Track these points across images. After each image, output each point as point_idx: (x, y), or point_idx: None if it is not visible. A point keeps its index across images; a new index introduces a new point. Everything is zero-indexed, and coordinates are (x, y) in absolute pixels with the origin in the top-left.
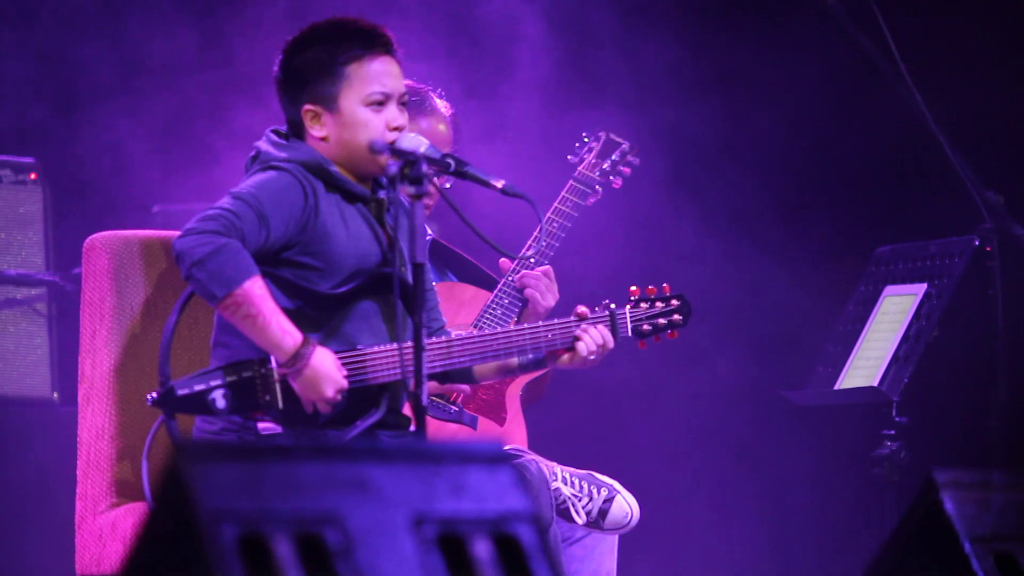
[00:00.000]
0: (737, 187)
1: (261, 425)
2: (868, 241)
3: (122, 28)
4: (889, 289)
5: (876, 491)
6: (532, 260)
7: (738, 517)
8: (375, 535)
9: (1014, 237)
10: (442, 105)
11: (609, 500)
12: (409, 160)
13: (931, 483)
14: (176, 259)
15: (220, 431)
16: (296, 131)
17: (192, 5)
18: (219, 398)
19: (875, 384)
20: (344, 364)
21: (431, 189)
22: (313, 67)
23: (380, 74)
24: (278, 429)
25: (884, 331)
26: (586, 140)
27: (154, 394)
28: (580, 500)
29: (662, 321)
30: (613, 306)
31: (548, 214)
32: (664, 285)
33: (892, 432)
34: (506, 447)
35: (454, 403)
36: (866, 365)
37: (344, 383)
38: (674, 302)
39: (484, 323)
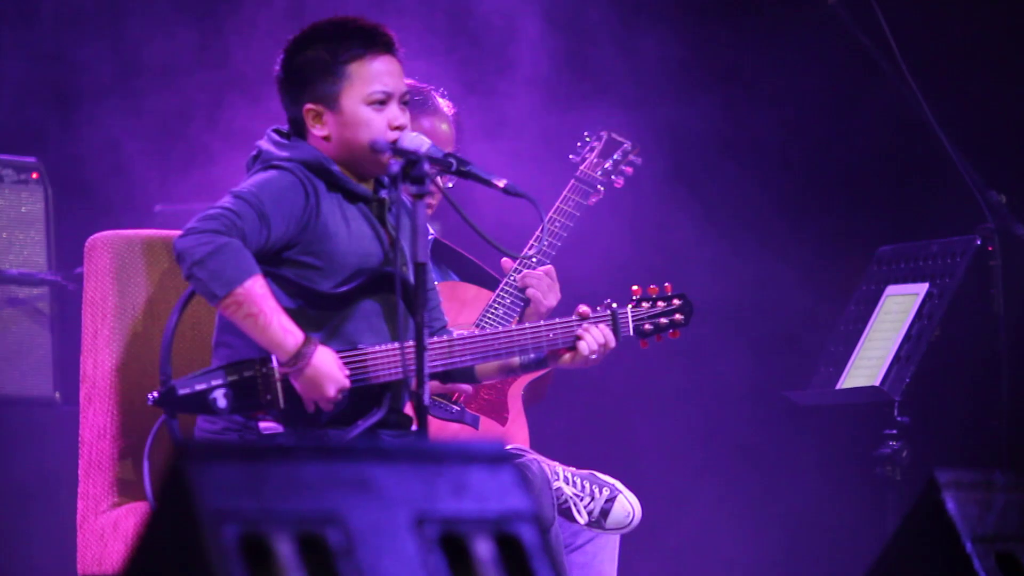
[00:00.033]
0: (738, 186)
1: (263, 424)
2: (870, 240)
3: (122, 28)
4: (891, 289)
5: (878, 491)
6: (534, 260)
7: (739, 517)
8: (377, 535)
9: (1016, 237)
10: (445, 104)
11: (611, 500)
12: (411, 159)
13: (933, 483)
14: (177, 258)
15: (222, 431)
16: (298, 130)
17: (192, 5)
18: (220, 397)
19: (877, 384)
20: (346, 363)
21: (433, 188)
22: (314, 66)
23: (381, 73)
24: (280, 428)
25: (886, 331)
26: (588, 139)
27: (155, 393)
28: (582, 500)
29: (664, 320)
30: (615, 305)
31: (550, 213)
32: (666, 284)
33: (894, 432)
34: (508, 447)
35: (456, 403)
36: (868, 365)
37: (346, 383)
38: (676, 301)
39: (486, 323)
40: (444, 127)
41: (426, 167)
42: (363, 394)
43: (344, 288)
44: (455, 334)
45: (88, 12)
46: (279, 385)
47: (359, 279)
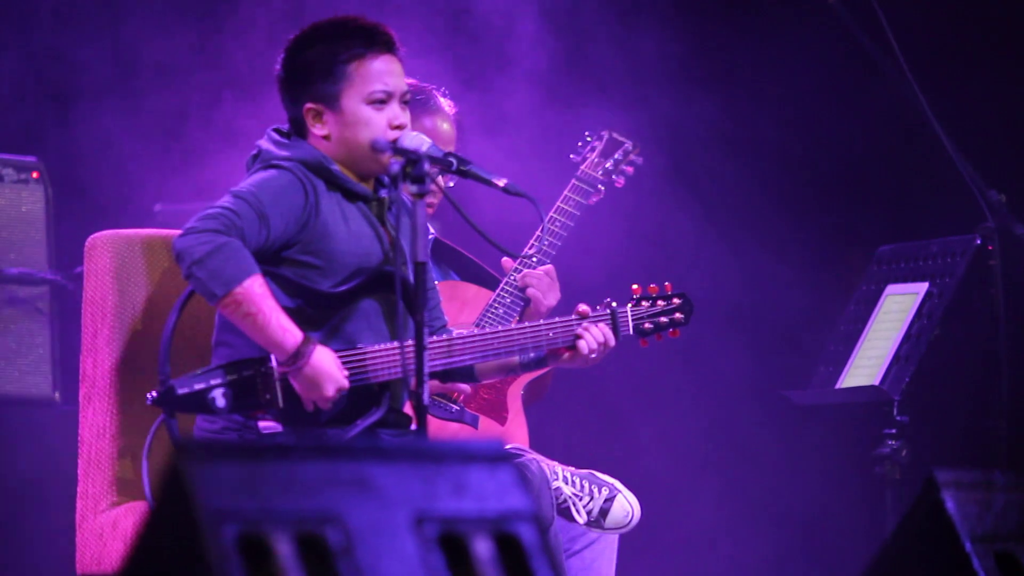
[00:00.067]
0: (738, 186)
1: (262, 424)
2: (869, 240)
3: (121, 28)
4: (890, 288)
5: (877, 490)
6: (534, 259)
7: (739, 516)
8: (376, 534)
9: (1016, 236)
10: (446, 104)
11: (610, 499)
12: (411, 159)
13: (932, 482)
14: (176, 258)
15: (221, 430)
16: (298, 130)
17: (191, 5)
18: (219, 397)
19: (876, 383)
20: (345, 363)
21: (434, 188)
22: (315, 66)
23: (382, 72)
24: (279, 428)
25: (885, 330)
26: (589, 139)
27: (154, 393)
28: (581, 499)
29: (664, 319)
30: (615, 304)
31: (551, 213)
32: (666, 283)
33: (893, 431)
34: (507, 446)
35: (455, 402)
36: (867, 364)
37: (345, 382)
38: (676, 300)
39: (486, 322)
40: (445, 126)
41: (426, 166)
42: (362, 393)
43: (344, 287)
44: (455, 333)
45: (87, 12)
46: (278, 384)
47: (359, 278)
